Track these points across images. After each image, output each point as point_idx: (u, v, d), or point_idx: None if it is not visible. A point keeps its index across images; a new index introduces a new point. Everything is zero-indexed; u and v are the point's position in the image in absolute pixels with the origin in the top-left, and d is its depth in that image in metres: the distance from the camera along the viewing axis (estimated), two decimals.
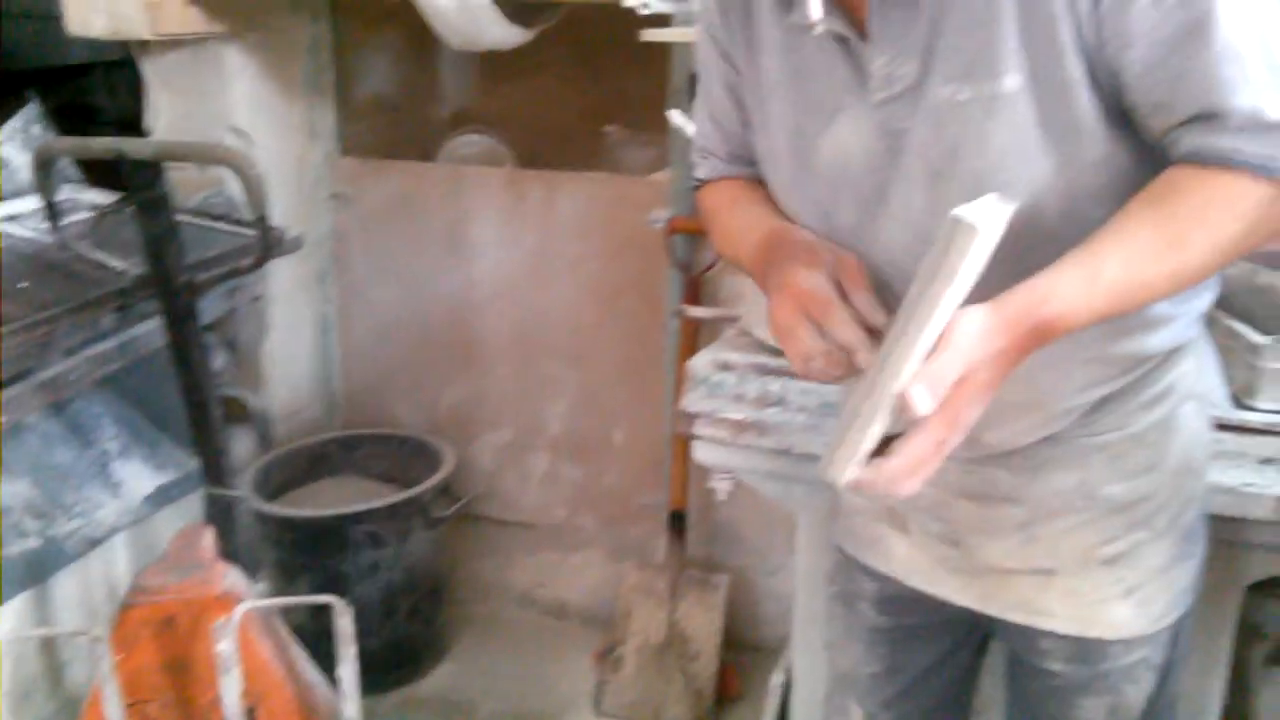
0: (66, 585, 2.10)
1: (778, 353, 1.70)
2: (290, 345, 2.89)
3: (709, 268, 2.45)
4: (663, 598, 2.49)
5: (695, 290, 2.47)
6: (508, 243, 2.81)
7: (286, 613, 1.84)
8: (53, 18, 2.49)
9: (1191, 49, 0.87)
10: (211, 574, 1.64)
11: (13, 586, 1.96)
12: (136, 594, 1.61)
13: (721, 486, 1.89)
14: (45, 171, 2.04)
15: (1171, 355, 1.11)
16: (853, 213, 1.05)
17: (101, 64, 3.98)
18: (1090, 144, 0.93)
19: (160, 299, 1.98)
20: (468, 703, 2.53)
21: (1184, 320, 1.10)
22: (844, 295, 0.95)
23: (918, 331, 0.84)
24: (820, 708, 1.48)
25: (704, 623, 2.46)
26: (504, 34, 2.30)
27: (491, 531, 2.96)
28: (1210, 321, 1.18)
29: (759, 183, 1.17)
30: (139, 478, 2.26)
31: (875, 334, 0.93)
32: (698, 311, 2.26)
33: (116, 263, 2.12)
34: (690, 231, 2.42)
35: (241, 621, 1.54)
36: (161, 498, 2.27)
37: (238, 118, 2.65)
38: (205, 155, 2.22)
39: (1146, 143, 0.94)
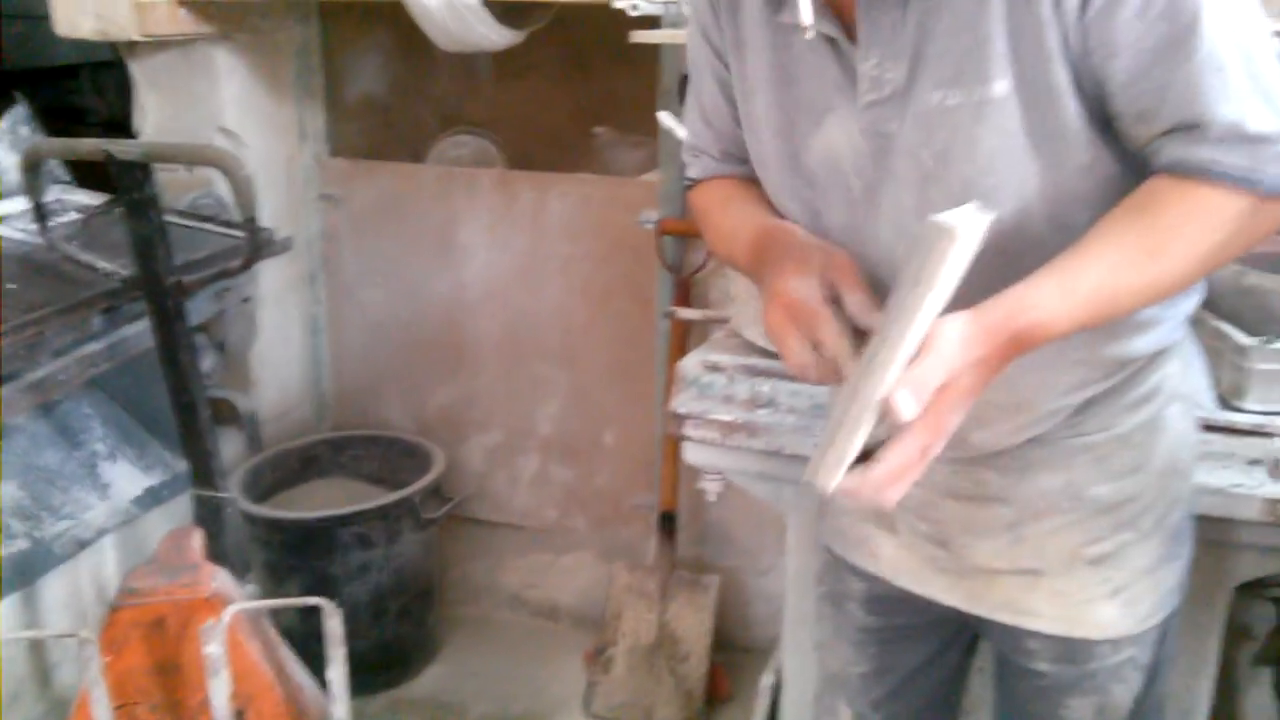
0: (55, 587, 2.09)
1: (768, 354, 1.71)
2: (280, 346, 2.88)
3: (699, 269, 2.45)
4: (653, 599, 2.49)
5: (685, 292, 2.47)
6: (498, 244, 2.81)
7: (276, 614, 1.83)
8: (41, 19, 2.49)
9: (1175, 60, 0.88)
10: (200, 576, 1.63)
11: (1, 588, 1.96)
12: (125, 596, 1.60)
13: (711, 487, 1.90)
14: (33, 173, 2.03)
15: (1157, 357, 1.12)
16: (843, 213, 1.05)
17: (89, 65, 3.98)
18: (1076, 149, 0.94)
19: (149, 300, 1.98)
20: (458, 704, 2.53)
21: (1170, 323, 1.10)
22: (837, 297, 0.95)
23: (899, 338, 0.85)
24: (810, 708, 1.48)
25: (694, 624, 2.47)
26: (493, 35, 2.30)
27: (482, 533, 2.96)
28: (1198, 323, 1.19)
29: (751, 181, 1.17)
30: (128, 479, 2.25)
31: (869, 336, 0.93)
32: (688, 313, 2.26)
33: (105, 264, 2.12)
34: (681, 233, 2.42)
35: (230, 623, 1.54)
36: (150, 499, 2.27)
37: (227, 119, 2.65)
38: (194, 156, 2.22)
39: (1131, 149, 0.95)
